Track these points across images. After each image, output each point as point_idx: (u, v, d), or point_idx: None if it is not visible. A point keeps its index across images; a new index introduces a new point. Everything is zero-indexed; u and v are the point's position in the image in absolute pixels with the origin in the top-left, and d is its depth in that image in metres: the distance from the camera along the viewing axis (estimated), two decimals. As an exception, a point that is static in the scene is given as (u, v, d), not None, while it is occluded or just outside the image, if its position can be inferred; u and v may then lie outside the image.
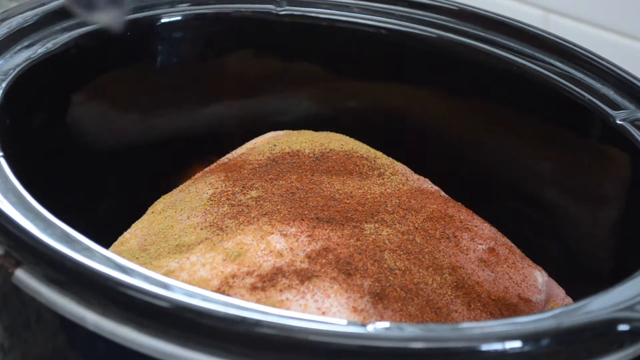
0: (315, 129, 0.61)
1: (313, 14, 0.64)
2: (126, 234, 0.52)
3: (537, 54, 0.60)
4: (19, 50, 0.54)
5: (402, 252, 0.48)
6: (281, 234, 0.48)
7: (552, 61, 0.60)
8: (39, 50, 0.54)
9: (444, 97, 0.64)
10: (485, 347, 0.36)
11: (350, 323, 0.37)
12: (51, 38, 0.56)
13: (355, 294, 0.45)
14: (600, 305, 0.39)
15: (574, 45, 0.60)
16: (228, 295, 0.44)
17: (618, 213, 0.56)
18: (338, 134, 0.60)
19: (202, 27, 0.63)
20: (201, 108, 0.64)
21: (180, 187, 0.55)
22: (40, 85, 0.54)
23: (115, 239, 0.52)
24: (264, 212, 0.50)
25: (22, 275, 0.39)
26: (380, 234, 0.49)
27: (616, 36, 0.83)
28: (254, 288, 0.44)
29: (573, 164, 0.59)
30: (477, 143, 0.63)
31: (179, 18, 0.62)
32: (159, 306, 0.37)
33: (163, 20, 0.61)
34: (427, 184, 0.56)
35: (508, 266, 0.51)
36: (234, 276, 0.45)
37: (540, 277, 0.52)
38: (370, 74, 0.65)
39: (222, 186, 0.53)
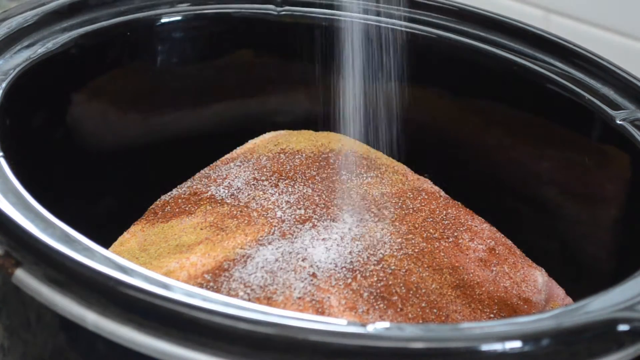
0: (315, 129, 0.61)
1: (313, 14, 0.64)
2: (126, 234, 0.52)
3: (537, 54, 0.60)
4: (19, 50, 0.54)
5: (402, 252, 0.48)
6: (281, 234, 0.48)
7: (552, 61, 0.60)
8: (39, 50, 0.54)
9: (443, 97, 0.64)
10: (485, 347, 0.36)
11: (350, 323, 0.37)
12: (51, 38, 0.56)
13: (356, 294, 0.45)
14: (600, 305, 0.39)
15: (574, 45, 0.60)
16: (228, 295, 0.44)
17: (618, 213, 0.56)
18: (338, 134, 0.60)
19: (202, 27, 0.63)
20: (201, 108, 0.64)
21: (180, 186, 0.55)
22: (40, 85, 0.54)
23: (115, 239, 0.52)
24: (264, 212, 0.50)
25: (22, 275, 0.39)
26: (381, 234, 0.49)
27: (616, 36, 0.83)
28: (254, 288, 0.44)
29: (573, 164, 0.59)
30: (477, 143, 0.63)
31: (179, 18, 0.62)
32: (159, 306, 0.37)
33: (163, 20, 0.61)
34: (427, 184, 0.56)
35: (508, 266, 0.51)
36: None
37: (540, 277, 0.52)
38: (370, 74, 0.65)
39: (221, 186, 0.53)
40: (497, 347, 0.36)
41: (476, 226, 0.53)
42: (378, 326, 0.36)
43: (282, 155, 0.56)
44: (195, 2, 0.62)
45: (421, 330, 0.37)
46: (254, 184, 0.53)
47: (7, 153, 0.46)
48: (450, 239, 0.51)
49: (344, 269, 0.46)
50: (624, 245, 0.55)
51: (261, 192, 0.52)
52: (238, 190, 0.53)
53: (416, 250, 0.49)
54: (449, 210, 0.53)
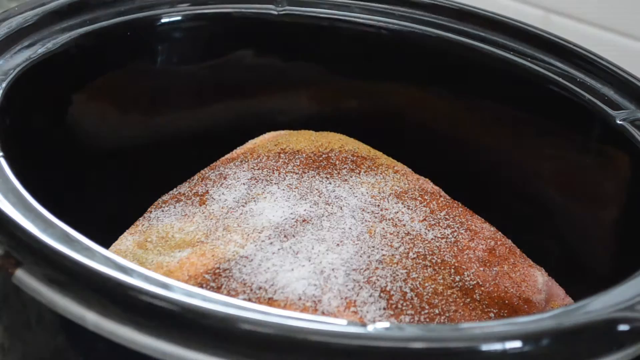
0: (315, 129, 0.61)
1: (313, 14, 0.64)
2: (126, 234, 0.52)
3: (537, 54, 0.60)
4: (19, 50, 0.54)
5: (402, 252, 0.48)
6: (282, 234, 0.48)
7: (552, 61, 0.60)
8: (39, 50, 0.54)
9: (444, 97, 0.64)
10: (485, 347, 0.36)
11: (350, 323, 0.37)
12: (51, 38, 0.56)
13: (356, 294, 0.45)
14: (600, 305, 0.39)
15: (574, 45, 0.60)
16: (228, 295, 0.44)
17: (618, 213, 0.56)
18: (338, 134, 0.60)
19: (202, 27, 0.63)
20: (201, 108, 0.64)
21: (180, 187, 0.55)
22: (40, 85, 0.54)
23: (115, 239, 0.52)
24: (264, 213, 0.50)
25: (22, 275, 0.39)
26: (381, 234, 0.49)
27: (616, 36, 0.83)
28: (254, 288, 0.44)
29: (573, 164, 0.59)
30: (477, 143, 0.63)
31: (179, 18, 0.62)
32: (159, 306, 0.37)
33: (163, 20, 0.61)
34: (427, 184, 0.56)
35: (508, 266, 0.51)
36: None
37: (540, 277, 0.52)
38: (370, 74, 0.65)
39: (221, 186, 0.53)
40: (497, 347, 0.36)
41: (476, 226, 0.53)
42: (378, 326, 0.36)
43: (282, 155, 0.56)
44: (195, 2, 0.62)
45: (421, 330, 0.37)
46: (253, 184, 0.53)
47: (7, 153, 0.46)
48: (451, 239, 0.51)
49: (344, 269, 0.46)
50: (624, 245, 0.55)
51: (261, 192, 0.52)
52: (238, 191, 0.53)
53: (416, 250, 0.49)
54: (449, 210, 0.53)
